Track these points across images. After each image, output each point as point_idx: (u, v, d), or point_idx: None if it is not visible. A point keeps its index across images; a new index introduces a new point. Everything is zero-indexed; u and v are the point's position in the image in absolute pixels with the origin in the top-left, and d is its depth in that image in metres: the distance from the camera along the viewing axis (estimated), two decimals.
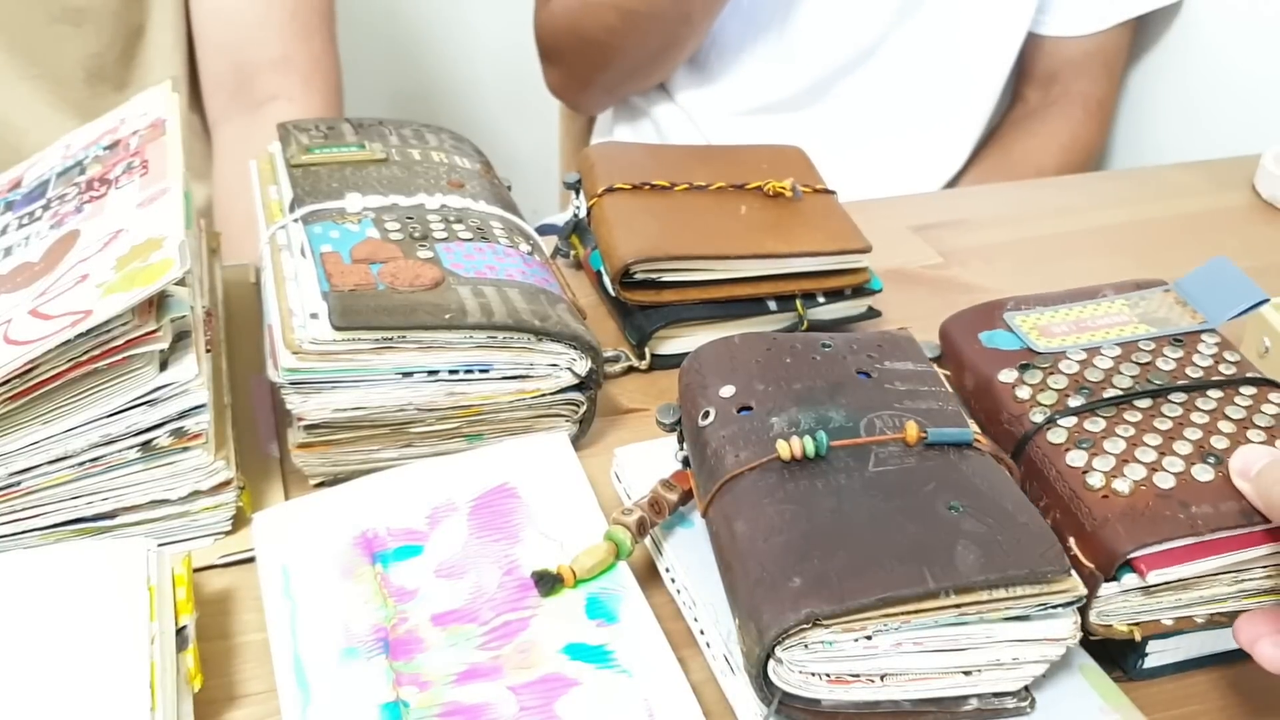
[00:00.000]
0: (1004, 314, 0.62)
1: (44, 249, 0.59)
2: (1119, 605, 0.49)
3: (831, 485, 0.48)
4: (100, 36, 0.95)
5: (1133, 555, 0.48)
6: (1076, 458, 0.52)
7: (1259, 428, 0.53)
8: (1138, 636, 0.49)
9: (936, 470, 0.49)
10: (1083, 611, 0.48)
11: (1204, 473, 0.50)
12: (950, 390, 0.55)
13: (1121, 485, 0.50)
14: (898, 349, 0.57)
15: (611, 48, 1.09)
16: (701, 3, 1.04)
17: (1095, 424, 0.54)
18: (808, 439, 0.49)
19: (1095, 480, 0.51)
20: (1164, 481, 0.50)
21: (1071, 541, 0.50)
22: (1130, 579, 0.48)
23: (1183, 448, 0.52)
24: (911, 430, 0.50)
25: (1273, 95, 1.11)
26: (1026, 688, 0.48)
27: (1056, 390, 0.56)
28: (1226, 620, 0.50)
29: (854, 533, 0.46)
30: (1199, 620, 0.50)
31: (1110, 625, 0.49)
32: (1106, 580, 0.48)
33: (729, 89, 1.18)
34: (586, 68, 1.14)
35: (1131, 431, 0.53)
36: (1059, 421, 0.54)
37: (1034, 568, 0.45)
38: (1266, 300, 0.60)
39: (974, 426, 0.52)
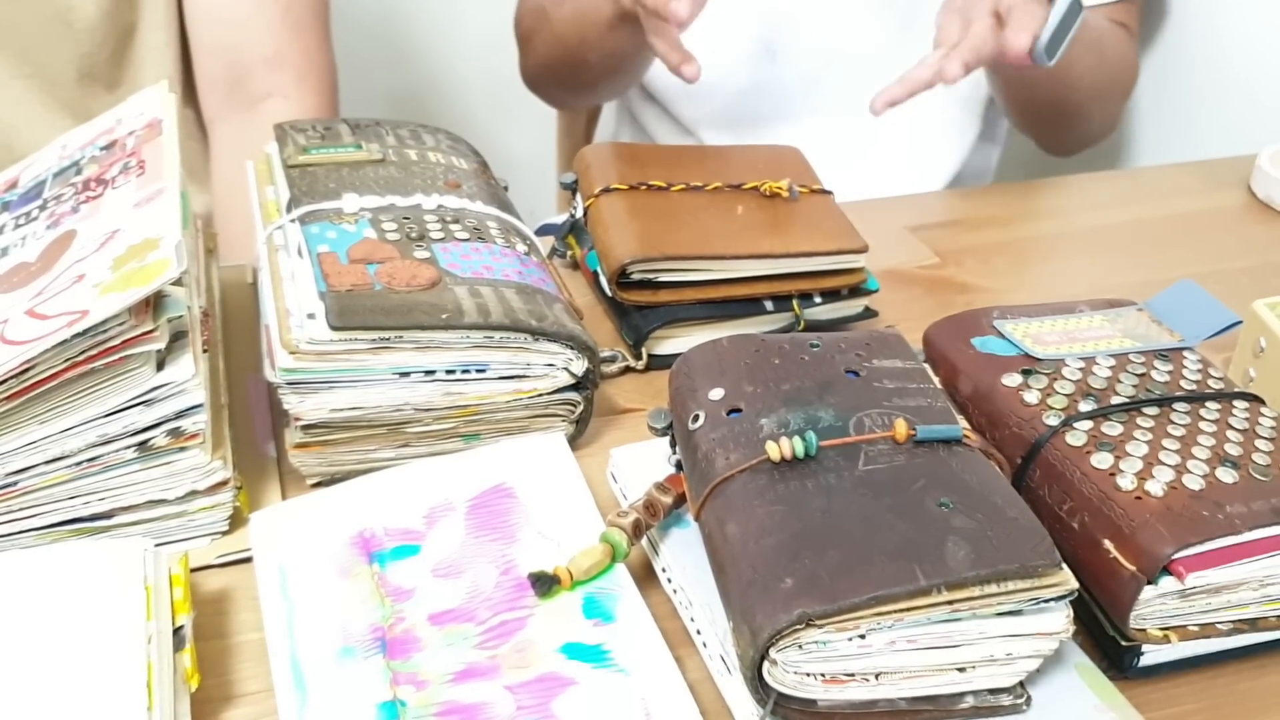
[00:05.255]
0: (994, 321, 0.62)
1: (41, 249, 0.59)
2: (1155, 609, 0.49)
3: (821, 485, 0.48)
4: (92, 36, 0.95)
5: (1175, 557, 0.47)
6: (1102, 460, 0.52)
7: (1263, 438, 0.53)
8: (1174, 640, 0.49)
9: (926, 467, 0.49)
10: (1121, 616, 0.48)
11: (1227, 475, 0.51)
12: (939, 387, 0.55)
13: (1154, 487, 0.50)
14: (886, 347, 0.57)
15: (555, 57, 1.10)
16: (613, 56, 1.02)
17: (1113, 428, 0.53)
18: (797, 439, 0.49)
19: (1126, 482, 0.50)
20: (1193, 483, 0.50)
21: (1108, 544, 0.49)
22: (1167, 582, 0.48)
23: (1201, 452, 0.52)
24: (900, 428, 0.50)
25: (1268, 96, 1.11)
26: (1022, 684, 0.48)
27: (1065, 395, 0.56)
28: (1248, 628, 0.50)
29: (844, 532, 0.46)
30: (1222, 629, 0.50)
31: (1145, 630, 0.49)
32: (1148, 583, 0.48)
33: (721, 100, 1.17)
34: (541, 65, 1.14)
35: (1150, 436, 0.53)
36: (1075, 425, 0.54)
37: (1024, 562, 0.45)
38: (1239, 322, 0.61)
39: (963, 422, 0.52)
